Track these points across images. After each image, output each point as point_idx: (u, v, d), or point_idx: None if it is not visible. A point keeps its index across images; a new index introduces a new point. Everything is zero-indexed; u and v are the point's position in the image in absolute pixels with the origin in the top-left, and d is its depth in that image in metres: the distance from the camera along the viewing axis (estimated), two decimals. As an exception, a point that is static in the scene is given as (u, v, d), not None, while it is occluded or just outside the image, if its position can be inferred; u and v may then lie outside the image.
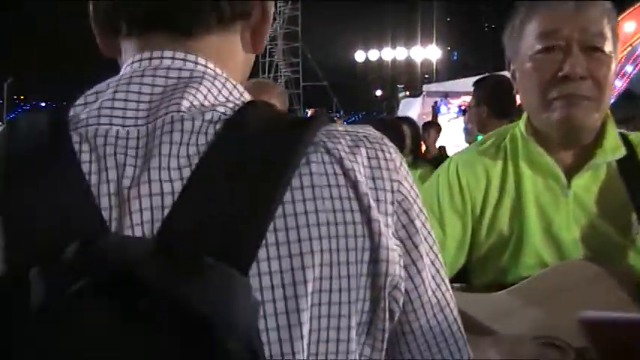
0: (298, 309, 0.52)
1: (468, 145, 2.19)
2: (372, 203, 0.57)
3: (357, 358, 0.57)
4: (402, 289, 0.59)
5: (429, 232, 0.62)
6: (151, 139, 0.54)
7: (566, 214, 1.14)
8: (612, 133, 1.15)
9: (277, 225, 0.53)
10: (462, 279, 1.24)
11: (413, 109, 19.21)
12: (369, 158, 0.59)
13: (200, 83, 0.57)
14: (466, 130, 3.23)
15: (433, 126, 6.33)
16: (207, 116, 0.55)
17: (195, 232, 0.50)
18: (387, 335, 0.59)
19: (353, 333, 0.56)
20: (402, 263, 0.59)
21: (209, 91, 0.58)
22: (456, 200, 1.20)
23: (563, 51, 1.09)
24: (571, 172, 1.15)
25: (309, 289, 0.53)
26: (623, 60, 12.79)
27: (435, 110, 16.87)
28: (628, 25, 12.74)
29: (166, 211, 0.51)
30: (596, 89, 1.09)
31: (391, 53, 20.82)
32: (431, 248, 0.62)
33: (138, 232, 0.51)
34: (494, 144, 1.24)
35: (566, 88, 1.08)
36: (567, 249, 1.14)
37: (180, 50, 0.59)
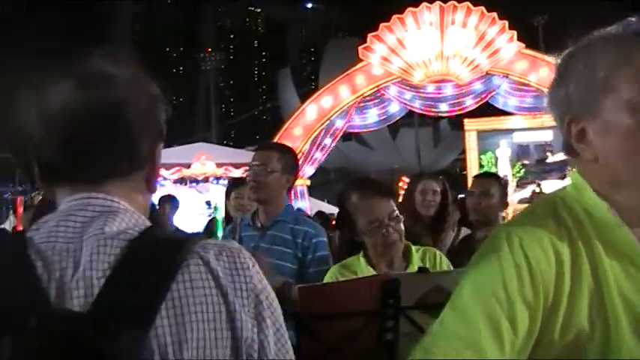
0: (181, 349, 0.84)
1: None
2: (230, 291, 0.89)
3: None
4: (255, 347, 0.90)
5: (274, 309, 0.93)
6: (83, 251, 0.85)
7: None
8: None
9: (168, 304, 0.83)
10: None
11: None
12: (229, 262, 0.91)
13: (116, 214, 0.90)
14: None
15: (168, 200, 5.85)
16: (121, 236, 0.87)
17: (114, 309, 0.81)
18: None
19: None
20: (254, 330, 0.90)
21: (122, 220, 0.90)
22: (526, 287, 0.96)
23: None
24: None
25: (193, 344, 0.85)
26: (322, 133, 14.10)
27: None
28: (325, 101, 13.86)
29: (95, 296, 0.82)
30: None
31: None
32: (276, 320, 0.93)
33: (77, 309, 0.82)
34: (549, 215, 1.02)
35: None
36: None
37: (99, 192, 0.92)
